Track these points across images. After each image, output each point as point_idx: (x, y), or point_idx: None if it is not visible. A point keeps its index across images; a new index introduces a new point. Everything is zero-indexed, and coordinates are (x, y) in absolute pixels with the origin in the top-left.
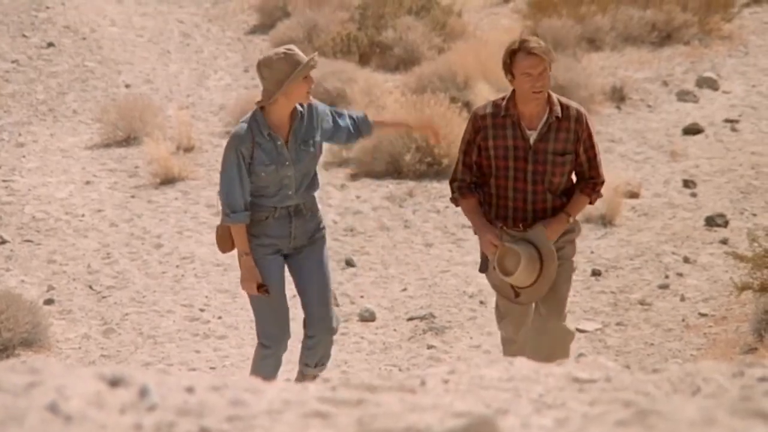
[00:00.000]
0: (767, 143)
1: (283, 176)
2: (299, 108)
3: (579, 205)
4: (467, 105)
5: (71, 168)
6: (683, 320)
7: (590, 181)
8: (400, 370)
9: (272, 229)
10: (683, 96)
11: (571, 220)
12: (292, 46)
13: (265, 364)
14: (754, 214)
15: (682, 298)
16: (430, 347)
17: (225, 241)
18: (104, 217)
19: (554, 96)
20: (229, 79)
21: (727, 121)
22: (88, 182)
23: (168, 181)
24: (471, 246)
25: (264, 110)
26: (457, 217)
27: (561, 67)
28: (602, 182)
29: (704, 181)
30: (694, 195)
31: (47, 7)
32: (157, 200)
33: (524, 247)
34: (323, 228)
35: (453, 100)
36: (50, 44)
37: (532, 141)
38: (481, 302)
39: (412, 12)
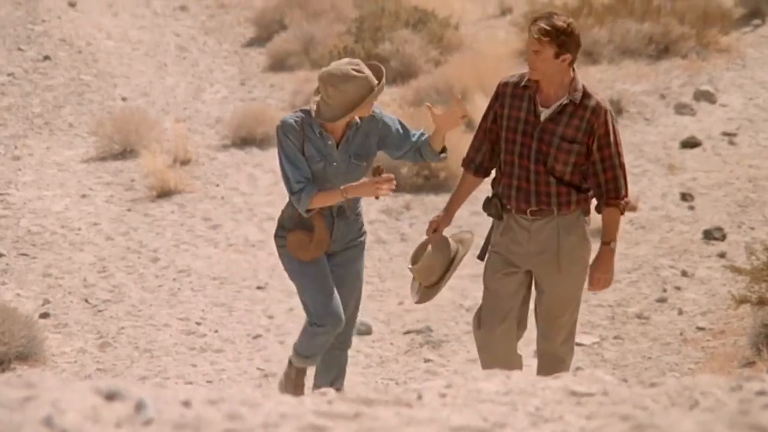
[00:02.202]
0: (765, 156)
1: (330, 176)
2: (357, 119)
3: (613, 225)
4: (464, 117)
5: (67, 181)
6: (681, 334)
7: (612, 195)
8: (396, 383)
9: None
10: (681, 109)
11: (613, 246)
12: (358, 63)
13: (318, 341)
14: (752, 228)
15: (680, 312)
16: (426, 361)
17: (303, 247)
18: (100, 230)
19: (581, 83)
20: (225, 92)
21: (724, 134)
22: (84, 195)
23: (164, 194)
24: (467, 259)
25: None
26: (454, 231)
27: None
28: (621, 197)
29: (702, 195)
30: (691, 208)
31: (43, 21)
32: (153, 213)
33: (444, 249)
34: (364, 233)
35: None
36: (46, 57)
37: (542, 118)
38: None
39: (409, 25)
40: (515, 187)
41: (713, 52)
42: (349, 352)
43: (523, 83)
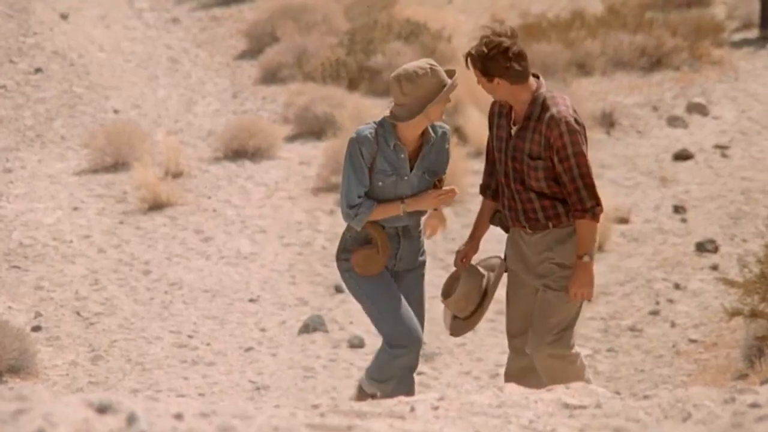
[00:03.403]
0: (757, 169)
1: (400, 191)
2: (431, 132)
3: (583, 237)
4: (457, 130)
5: (59, 194)
6: (674, 346)
7: (577, 207)
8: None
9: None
10: (673, 121)
11: (587, 259)
12: (433, 61)
13: (397, 364)
14: (745, 240)
15: (673, 324)
16: (419, 374)
17: (370, 260)
18: (92, 243)
19: (544, 96)
20: (217, 105)
21: (717, 146)
22: (75, 208)
23: (156, 206)
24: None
25: (394, 124)
26: (447, 243)
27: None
28: (586, 208)
29: (694, 207)
30: (684, 221)
31: (35, 33)
32: (145, 226)
33: (476, 278)
34: (424, 252)
35: None
36: (38, 70)
37: (513, 135)
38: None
39: (401, 37)
40: (507, 206)
41: (706, 64)
42: (342, 365)
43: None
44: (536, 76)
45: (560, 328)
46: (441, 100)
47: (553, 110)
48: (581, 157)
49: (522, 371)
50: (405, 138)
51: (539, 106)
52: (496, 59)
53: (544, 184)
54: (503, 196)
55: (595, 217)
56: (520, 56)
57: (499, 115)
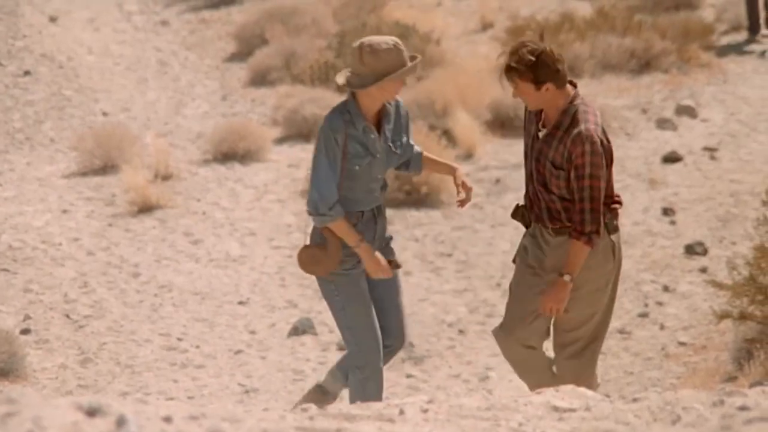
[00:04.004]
0: (746, 171)
1: (373, 176)
2: (388, 105)
3: (572, 257)
4: (446, 133)
5: (48, 196)
6: (663, 349)
7: (576, 228)
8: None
9: (361, 234)
10: (662, 124)
11: (567, 279)
12: (399, 41)
13: (370, 388)
14: (734, 243)
15: (662, 327)
16: (408, 376)
17: (317, 262)
18: (81, 245)
19: (575, 108)
20: (206, 107)
21: (706, 149)
22: (65, 211)
23: (145, 209)
24: (449, 275)
25: (356, 100)
26: (436, 246)
27: None
28: (584, 231)
29: (683, 209)
30: (673, 223)
31: (24, 36)
32: (134, 229)
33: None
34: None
35: (432, 127)
36: (27, 72)
37: (540, 139)
38: (460, 331)
39: None
40: (530, 203)
41: (694, 67)
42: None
43: None
44: (573, 84)
45: (586, 340)
46: (399, 77)
47: (582, 126)
48: (596, 180)
49: (532, 357)
50: (366, 113)
51: (570, 116)
52: (545, 65)
53: (565, 192)
54: (527, 193)
55: (590, 243)
56: (562, 58)
57: (530, 113)
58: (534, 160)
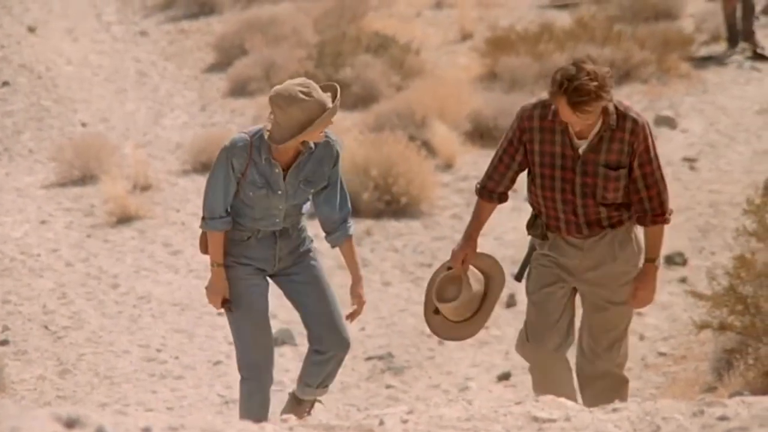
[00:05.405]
0: (725, 181)
1: (273, 206)
2: (310, 144)
3: (659, 241)
4: (425, 143)
5: (27, 207)
6: (642, 359)
7: (657, 212)
8: (358, 410)
9: (254, 251)
10: None
11: (658, 263)
12: (309, 85)
13: (252, 403)
14: (713, 253)
15: (642, 337)
16: (388, 387)
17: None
18: (60, 256)
19: (611, 105)
20: (185, 118)
21: (685, 159)
22: (43, 222)
23: (124, 220)
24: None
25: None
26: (416, 256)
27: (519, 106)
28: (665, 213)
29: None
30: None
31: (2, 46)
32: (113, 239)
33: (476, 280)
34: (311, 241)
35: (411, 138)
36: (5, 83)
37: (581, 151)
38: (440, 342)
39: (370, 50)
40: (563, 220)
41: (674, 77)
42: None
43: (550, 116)
44: None
45: (622, 339)
46: (321, 124)
47: (633, 115)
48: (659, 161)
49: (563, 371)
50: (279, 153)
51: (613, 114)
52: (607, 85)
53: (621, 194)
54: (555, 210)
55: (668, 222)
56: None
57: (542, 130)
58: (580, 174)
